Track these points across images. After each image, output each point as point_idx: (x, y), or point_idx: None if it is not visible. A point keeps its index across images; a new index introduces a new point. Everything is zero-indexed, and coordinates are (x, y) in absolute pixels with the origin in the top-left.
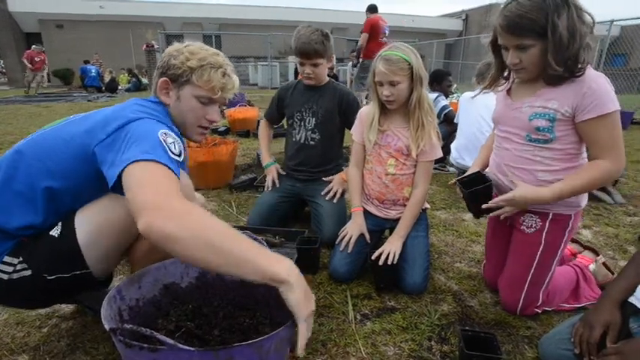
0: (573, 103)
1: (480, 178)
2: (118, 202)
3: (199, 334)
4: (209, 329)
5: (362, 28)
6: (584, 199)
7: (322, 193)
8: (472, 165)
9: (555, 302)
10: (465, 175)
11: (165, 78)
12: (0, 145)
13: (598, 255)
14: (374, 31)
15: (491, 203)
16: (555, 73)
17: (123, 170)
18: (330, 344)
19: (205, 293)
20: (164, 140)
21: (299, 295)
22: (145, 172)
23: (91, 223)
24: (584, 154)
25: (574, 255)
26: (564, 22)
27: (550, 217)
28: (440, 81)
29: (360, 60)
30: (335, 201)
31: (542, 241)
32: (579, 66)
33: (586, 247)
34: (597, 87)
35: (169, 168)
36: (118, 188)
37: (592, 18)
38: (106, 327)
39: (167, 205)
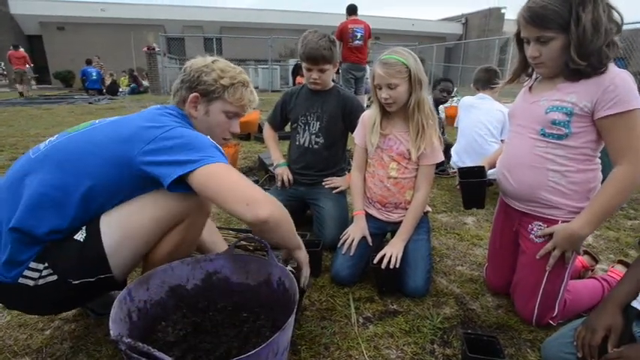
0: (593, 98)
1: (479, 172)
2: (143, 206)
3: (207, 340)
4: (215, 332)
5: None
6: None
7: (324, 180)
8: (483, 160)
9: (573, 314)
10: (469, 166)
11: (196, 93)
12: (1, 148)
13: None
14: (343, 37)
15: (542, 251)
16: (577, 68)
17: (193, 171)
18: (332, 347)
19: (210, 295)
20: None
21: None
22: (226, 172)
23: (117, 228)
24: (598, 161)
25: (585, 268)
26: (589, 16)
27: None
28: (434, 86)
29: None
30: (334, 192)
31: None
32: (602, 62)
33: (620, 262)
34: (621, 82)
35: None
36: (177, 186)
37: (620, 15)
38: (112, 334)
39: (266, 198)
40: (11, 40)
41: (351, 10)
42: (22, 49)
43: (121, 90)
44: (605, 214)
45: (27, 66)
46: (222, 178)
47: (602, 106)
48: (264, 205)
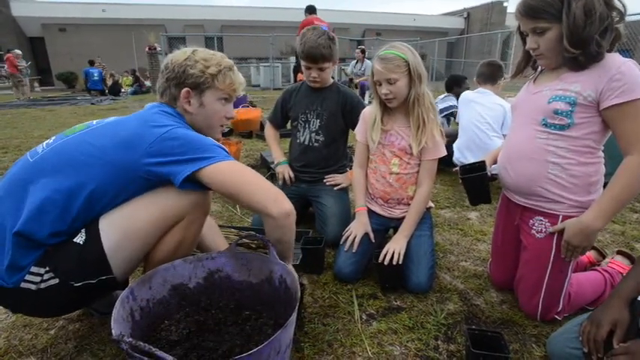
0: (598, 87)
1: (480, 167)
2: (141, 207)
3: (210, 338)
4: (217, 330)
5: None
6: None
7: (326, 177)
8: (485, 156)
9: (578, 307)
10: (469, 163)
11: (186, 88)
12: (5, 149)
13: (633, 262)
14: None
15: (563, 250)
16: (571, 56)
17: (205, 168)
18: (336, 344)
19: (212, 293)
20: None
21: None
22: (245, 168)
23: (116, 229)
24: (601, 154)
25: (592, 263)
26: (580, 3)
27: (560, 220)
28: (460, 84)
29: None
30: (336, 189)
31: (554, 246)
32: (599, 50)
33: (620, 253)
34: (628, 71)
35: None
36: (187, 183)
37: (622, 3)
38: (113, 334)
39: (280, 194)
40: (14, 42)
41: (312, 9)
42: (10, 53)
43: (123, 90)
44: (617, 205)
45: (19, 69)
46: (243, 174)
47: (608, 95)
48: (287, 200)
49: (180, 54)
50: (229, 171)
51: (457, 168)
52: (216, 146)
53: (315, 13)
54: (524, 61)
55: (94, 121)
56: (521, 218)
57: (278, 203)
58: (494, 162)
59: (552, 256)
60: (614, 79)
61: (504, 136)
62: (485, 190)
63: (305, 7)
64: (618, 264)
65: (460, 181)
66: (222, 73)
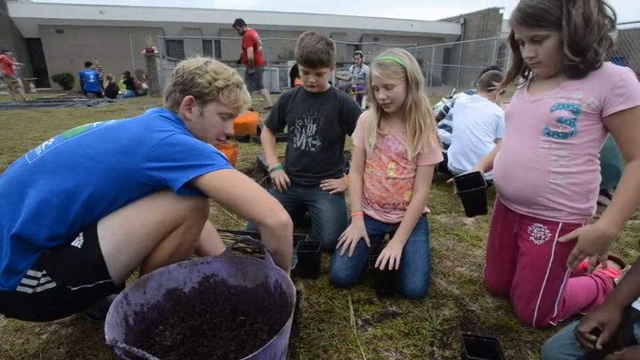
0: (601, 94)
1: (476, 179)
2: (140, 211)
3: (204, 344)
4: (212, 335)
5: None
6: (594, 208)
7: (322, 182)
8: (477, 164)
9: (571, 313)
10: (464, 174)
11: (190, 95)
12: (0, 150)
13: (623, 267)
14: (255, 43)
15: (570, 257)
16: (572, 64)
17: (204, 175)
18: (331, 350)
19: (207, 298)
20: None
21: None
22: (243, 177)
23: (114, 233)
24: (598, 161)
25: (585, 269)
26: (579, 11)
27: (560, 227)
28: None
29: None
30: (331, 193)
31: (552, 253)
32: (597, 57)
33: (610, 258)
34: (628, 77)
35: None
36: (185, 190)
37: (613, 11)
38: (106, 339)
39: (277, 205)
40: (10, 44)
41: (242, 22)
42: (3, 54)
43: (120, 92)
44: (629, 210)
45: (14, 69)
46: (241, 183)
47: (612, 102)
48: (284, 211)
49: (193, 62)
50: (227, 179)
51: (452, 179)
52: (216, 154)
53: (246, 26)
54: (514, 70)
55: (95, 124)
56: (520, 226)
57: (275, 214)
58: (488, 168)
59: (550, 262)
60: (617, 86)
61: (497, 140)
62: (483, 202)
63: (237, 21)
64: (609, 269)
65: (455, 192)
66: (228, 88)
